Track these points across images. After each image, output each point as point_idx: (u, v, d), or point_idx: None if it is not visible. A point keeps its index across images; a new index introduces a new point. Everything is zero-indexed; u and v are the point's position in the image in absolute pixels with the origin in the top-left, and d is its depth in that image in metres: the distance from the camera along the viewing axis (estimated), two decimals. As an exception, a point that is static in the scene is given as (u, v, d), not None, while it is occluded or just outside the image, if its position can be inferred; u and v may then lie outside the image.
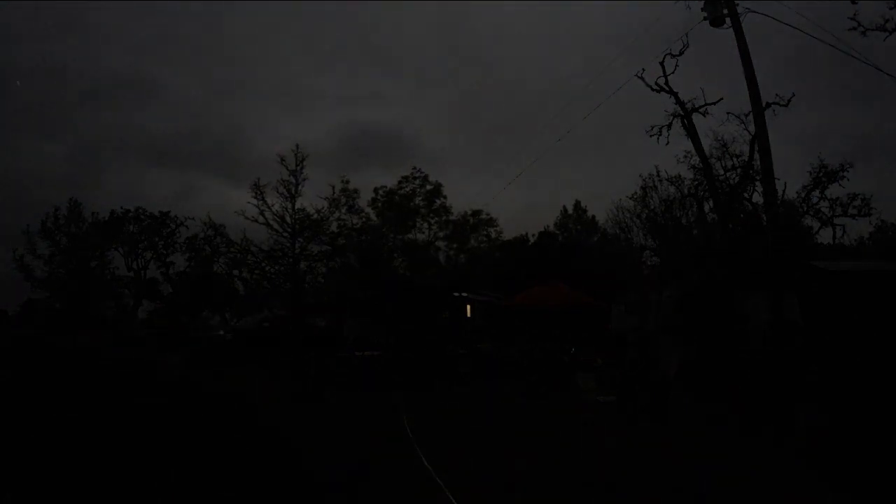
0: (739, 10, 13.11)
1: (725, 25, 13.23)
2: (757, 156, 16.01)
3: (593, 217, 42.89)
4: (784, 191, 24.25)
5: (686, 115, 20.02)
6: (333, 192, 30.33)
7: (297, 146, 30.30)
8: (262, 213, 29.58)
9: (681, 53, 18.48)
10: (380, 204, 30.91)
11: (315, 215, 30.26)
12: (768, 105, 17.20)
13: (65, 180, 58.33)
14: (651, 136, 20.65)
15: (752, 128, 17.66)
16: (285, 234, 30.01)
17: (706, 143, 21.64)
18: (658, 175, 27.64)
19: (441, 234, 30.98)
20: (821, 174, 25.32)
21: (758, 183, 21.27)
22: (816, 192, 25.90)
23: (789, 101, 18.73)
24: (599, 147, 70.91)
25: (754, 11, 13.10)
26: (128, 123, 57.37)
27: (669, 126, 20.38)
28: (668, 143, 20.57)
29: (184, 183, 57.43)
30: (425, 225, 30.81)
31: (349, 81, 70.69)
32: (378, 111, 64.21)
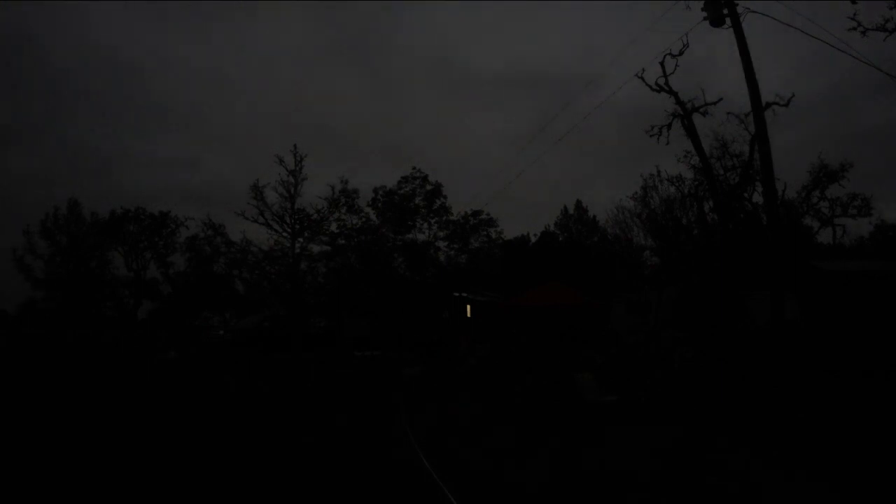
0: (739, 10, 13.09)
1: (725, 25, 13.22)
2: (757, 156, 16.01)
3: (594, 217, 42.91)
4: (784, 191, 24.31)
5: (686, 115, 20.01)
6: (333, 193, 30.29)
7: (295, 146, 30.13)
8: (261, 213, 29.51)
9: (681, 53, 18.47)
10: (380, 204, 30.80)
11: (315, 215, 30.20)
12: (768, 105, 17.21)
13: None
14: (651, 136, 20.64)
15: (752, 128, 17.68)
16: (285, 235, 29.95)
17: (706, 143, 21.65)
18: (658, 175, 27.64)
19: (441, 235, 30.88)
20: (821, 174, 25.35)
21: (758, 183, 21.28)
22: (816, 192, 25.94)
23: (789, 101, 18.75)
24: (600, 147, 71.64)
25: (754, 11, 13.09)
26: (175, 180, 72.72)
27: (669, 126, 20.36)
28: (668, 143, 20.55)
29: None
30: (425, 225, 30.70)
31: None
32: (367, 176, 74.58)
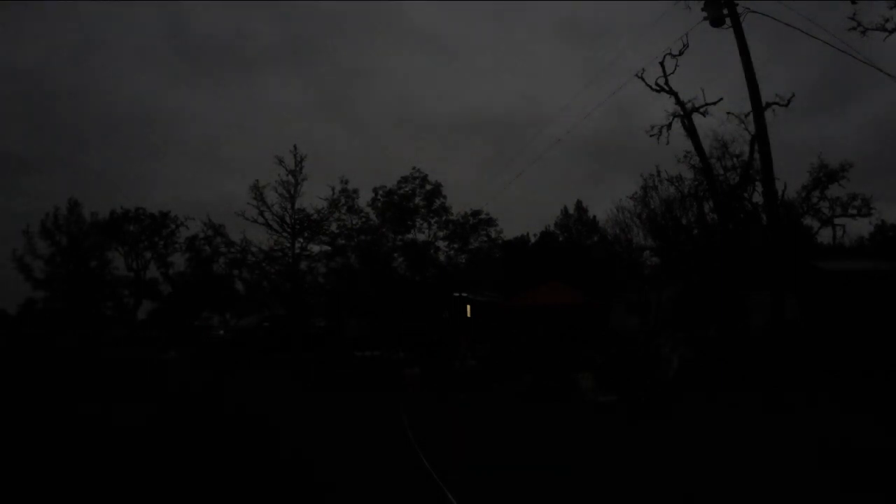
0: (739, 10, 13.07)
1: (725, 25, 13.21)
2: (757, 156, 16.01)
3: (594, 217, 42.89)
4: (784, 191, 24.28)
5: (686, 115, 20.01)
6: (333, 193, 30.29)
7: (295, 146, 30.15)
8: (261, 213, 29.53)
9: (681, 53, 18.48)
10: (379, 204, 30.76)
11: (315, 215, 30.20)
12: (768, 105, 17.21)
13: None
14: (651, 136, 20.64)
15: (752, 128, 17.68)
16: (285, 235, 29.95)
17: (706, 143, 21.65)
18: (658, 175, 27.60)
19: (441, 234, 30.84)
20: (821, 174, 25.33)
21: (758, 183, 21.28)
22: (816, 192, 25.91)
23: (789, 101, 18.76)
24: (600, 146, 71.85)
25: (754, 11, 13.07)
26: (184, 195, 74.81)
27: (669, 126, 20.36)
28: (668, 143, 20.56)
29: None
30: (425, 225, 30.65)
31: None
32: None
